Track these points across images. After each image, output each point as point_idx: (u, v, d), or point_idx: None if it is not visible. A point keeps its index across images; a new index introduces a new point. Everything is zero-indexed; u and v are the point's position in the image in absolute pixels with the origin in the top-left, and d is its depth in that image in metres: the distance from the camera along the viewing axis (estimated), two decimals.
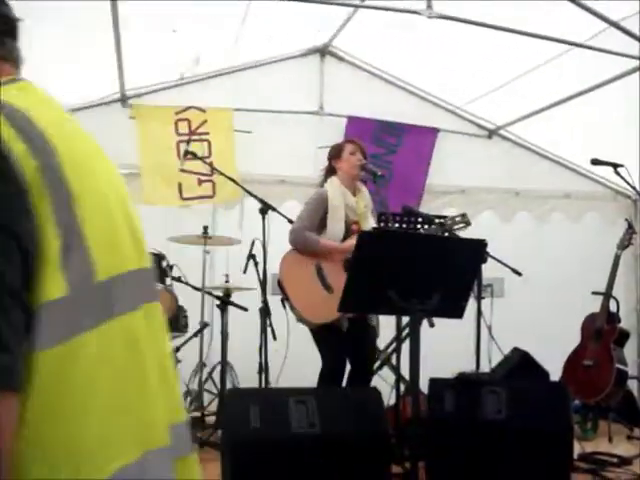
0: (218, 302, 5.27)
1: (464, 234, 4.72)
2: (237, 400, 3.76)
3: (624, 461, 4.36)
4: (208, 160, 5.85)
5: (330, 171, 4.51)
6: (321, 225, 4.33)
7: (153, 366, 1.23)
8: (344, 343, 4.22)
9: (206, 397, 5.58)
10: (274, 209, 4.61)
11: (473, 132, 7.15)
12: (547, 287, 6.77)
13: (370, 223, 4.46)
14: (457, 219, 4.71)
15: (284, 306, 4.31)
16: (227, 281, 5.46)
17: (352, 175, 4.43)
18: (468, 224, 4.72)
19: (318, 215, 4.32)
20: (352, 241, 3.65)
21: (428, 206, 6.71)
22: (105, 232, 1.19)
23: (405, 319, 4.23)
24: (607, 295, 5.65)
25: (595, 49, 5.11)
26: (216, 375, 5.50)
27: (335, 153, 4.50)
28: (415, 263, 3.52)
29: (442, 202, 6.98)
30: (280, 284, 4.29)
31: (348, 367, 4.38)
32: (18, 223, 1.01)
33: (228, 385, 5.32)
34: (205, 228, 5.49)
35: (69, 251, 1.07)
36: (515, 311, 6.32)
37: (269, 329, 4.54)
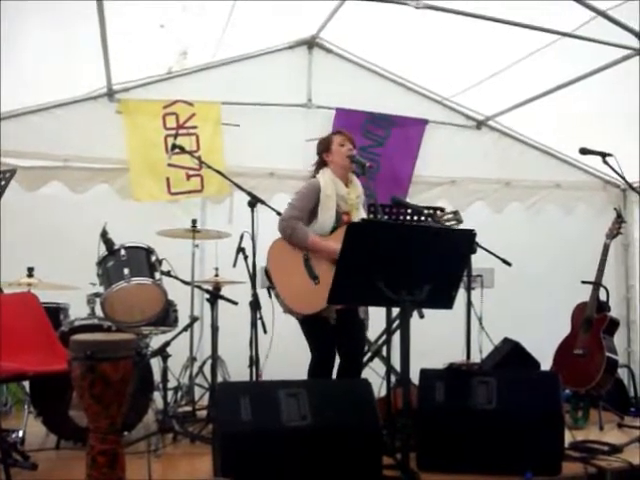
0: (208, 296, 5.25)
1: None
2: (228, 394, 3.75)
3: (615, 449, 4.37)
4: (196, 154, 5.82)
5: (321, 164, 4.50)
6: (312, 215, 4.32)
7: None
8: (332, 335, 4.21)
9: (197, 391, 5.56)
10: (263, 202, 4.58)
11: (462, 123, 7.16)
12: (537, 277, 6.79)
13: (361, 213, 4.45)
14: (448, 216, 4.72)
15: (270, 295, 4.30)
16: (217, 275, 5.45)
17: (344, 166, 4.42)
18: (460, 222, 4.72)
19: (309, 204, 4.30)
20: (339, 245, 3.60)
21: (418, 198, 6.72)
22: None
23: (395, 310, 4.22)
24: (597, 284, 5.66)
25: (583, 38, 5.11)
26: (207, 369, 5.49)
27: (324, 147, 4.48)
28: (404, 254, 3.52)
29: (432, 193, 6.99)
30: (267, 272, 4.28)
31: (337, 359, 4.38)
32: None
33: (219, 379, 5.31)
34: (194, 222, 5.47)
35: None
36: (505, 301, 6.32)
37: (259, 322, 4.53)
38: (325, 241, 4.21)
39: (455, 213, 4.76)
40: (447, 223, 4.70)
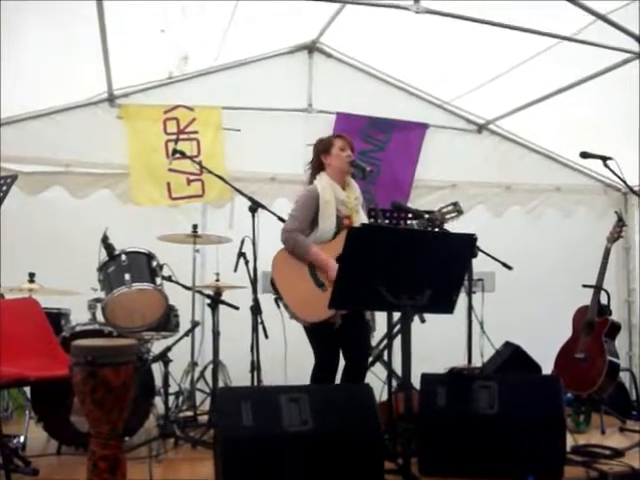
0: (209, 301, 5.25)
1: (457, 224, 4.72)
2: (229, 399, 3.75)
3: (617, 453, 4.36)
4: (197, 159, 5.83)
5: (318, 166, 4.47)
6: (313, 222, 4.31)
7: None
8: (337, 339, 4.20)
9: (198, 396, 5.54)
10: (264, 207, 4.59)
11: (463, 127, 7.16)
12: (538, 280, 6.79)
13: (362, 216, 4.44)
14: (448, 208, 4.71)
15: (278, 305, 4.28)
16: (218, 280, 5.45)
17: (342, 171, 4.41)
18: (460, 212, 4.71)
19: (310, 213, 4.28)
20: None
21: (419, 202, 6.72)
22: None
23: (396, 315, 4.21)
24: (598, 288, 5.65)
25: (583, 42, 5.11)
26: (208, 374, 5.49)
27: (324, 148, 4.45)
28: (405, 259, 3.52)
29: (433, 197, 6.97)
30: (273, 283, 4.26)
31: (342, 363, 4.38)
32: None
33: (220, 384, 5.30)
34: (195, 227, 5.47)
35: None
36: (506, 305, 6.32)
37: (260, 327, 4.53)
38: (326, 257, 4.18)
39: (455, 204, 4.74)
40: (447, 215, 4.70)
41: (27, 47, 5.12)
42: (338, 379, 4.33)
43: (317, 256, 4.19)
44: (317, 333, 4.21)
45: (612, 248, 5.79)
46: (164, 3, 5.09)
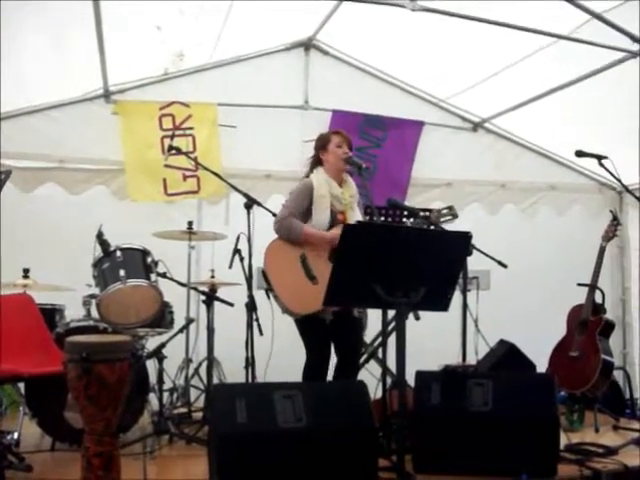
0: (204, 298, 5.25)
1: (451, 227, 4.72)
2: (223, 395, 3.75)
3: (610, 451, 4.36)
4: (192, 155, 5.83)
5: (316, 162, 4.50)
6: (307, 215, 4.32)
7: None
8: (328, 335, 4.21)
9: (193, 393, 5.56)
10: (259, 204, 4.59)
11: (458, 125, 7.16)
12: (533, 279, 6.80)
13: (356, 213, 4.45)
14: (444, 211, 4.71)
15: (268, 297, 4.29)
16: (213, 276, 5.44)
17: (338, 167, 4.43)
18: (455, 216, 4.72)
19: (304, 204, 4.30)
20: (337, 230, 3.62)
21: (414, 199, 6.72)
22: None
23: (391, 312, 4.22)
24: (592, 286, 5.66)
25: (579, 41, 5.11)
26: (203, 371, 5.48)
27: (321, 144, 4.49)
28: (400, 256, 3.52)
29: (428, 195, 6.98)
30: (264, 274, 4.27)
31: (334, 360, 4.38)
32: None
33: (215, 380, 5.29)
34: (190, 223, 5.47)
35: None
36: (501, 303, 6.32)
37: (255, 324, 4.52)
38: (321, 232, 4.22)
39: (450, 208, 4.75)
40: (442, 219, 4.70)
41: (24, 44, 5.10)
42: (330, 375, 4.35)
43: (311, 232, 4.21)
44: (308, 327, 4.22)
45: (607, 247, 5.80)
46: (160, 4, 5.09)
